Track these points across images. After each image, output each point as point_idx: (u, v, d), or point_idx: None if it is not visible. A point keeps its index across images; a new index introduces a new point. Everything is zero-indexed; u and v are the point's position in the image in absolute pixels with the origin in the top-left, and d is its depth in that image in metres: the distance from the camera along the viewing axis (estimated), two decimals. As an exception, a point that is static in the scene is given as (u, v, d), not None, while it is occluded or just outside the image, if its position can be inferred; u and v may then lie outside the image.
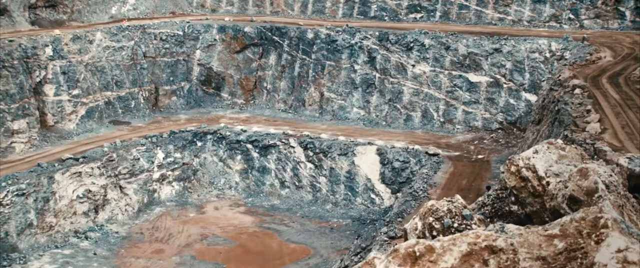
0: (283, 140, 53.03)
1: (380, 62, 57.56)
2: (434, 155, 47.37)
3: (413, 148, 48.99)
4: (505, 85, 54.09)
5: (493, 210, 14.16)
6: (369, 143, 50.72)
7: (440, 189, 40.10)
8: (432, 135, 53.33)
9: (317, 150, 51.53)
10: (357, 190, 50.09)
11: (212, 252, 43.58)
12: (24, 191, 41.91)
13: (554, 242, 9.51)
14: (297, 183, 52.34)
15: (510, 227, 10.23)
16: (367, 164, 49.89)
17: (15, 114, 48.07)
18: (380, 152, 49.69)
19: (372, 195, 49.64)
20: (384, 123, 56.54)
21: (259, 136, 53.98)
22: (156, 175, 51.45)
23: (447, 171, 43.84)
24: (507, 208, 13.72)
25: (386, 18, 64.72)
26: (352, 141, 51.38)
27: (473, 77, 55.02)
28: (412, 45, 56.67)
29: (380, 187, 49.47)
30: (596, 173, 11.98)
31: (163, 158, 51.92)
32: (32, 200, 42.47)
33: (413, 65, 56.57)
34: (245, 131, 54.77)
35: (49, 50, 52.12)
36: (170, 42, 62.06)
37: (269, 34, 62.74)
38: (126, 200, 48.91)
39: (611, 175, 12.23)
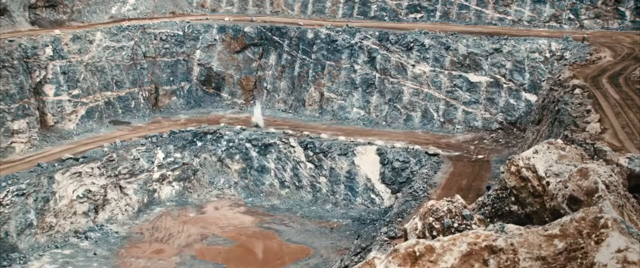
0: (283, 140, 53.03)
1: (380, 62, 57.55)
2: (434, 155, 47.34)
3: (413, 148, 48.98)
4: (505, 85, 54.08)
5: (493, 210, 14.17)
6: (369, 143, 50.71)
7: (440, 189, 40.07)
8: (432, 135, 53.30)
9: (317, 150, 51.52)
10: (357, 190, 50.07)
11: (212, 252, 43.57)
12: (24, 191, 41.90)
13: (554, 242, 9.51)
14: (297, 183, 52.32)
15: (510, 227, 10.23)
16: (367, 164, 49.88)
17: (15, 114, 48.05)
18: (380, 152, 49.68)
19: (372, 195, 49.62)
20: (384, 123, 56.52)
21: (259, 136, 53.98)
22: (156, 175, 51.44)
23: (447, 171, 43.81)
24: (507, 208, 13.72)
25: (386, 18, 64.70)
26: (352, 141, 51.37)
27: (473, 77, 55.00)
28: (412, 45, 56.66)
29: (380, 187, 49.45)
30: (596, 173, 11.98)
31: (163, 158, 51.90)
32: (32, 200, 42.46)
33: (413, 65, 56.56)
34: (244, 130, 54.77)
35: (49, 50, 52.11)
36: (170, 42, 62.05)
37: (269, 34, 62.73)
38: (126, 200, 48.90)
39: (611, 175, 12.23)
